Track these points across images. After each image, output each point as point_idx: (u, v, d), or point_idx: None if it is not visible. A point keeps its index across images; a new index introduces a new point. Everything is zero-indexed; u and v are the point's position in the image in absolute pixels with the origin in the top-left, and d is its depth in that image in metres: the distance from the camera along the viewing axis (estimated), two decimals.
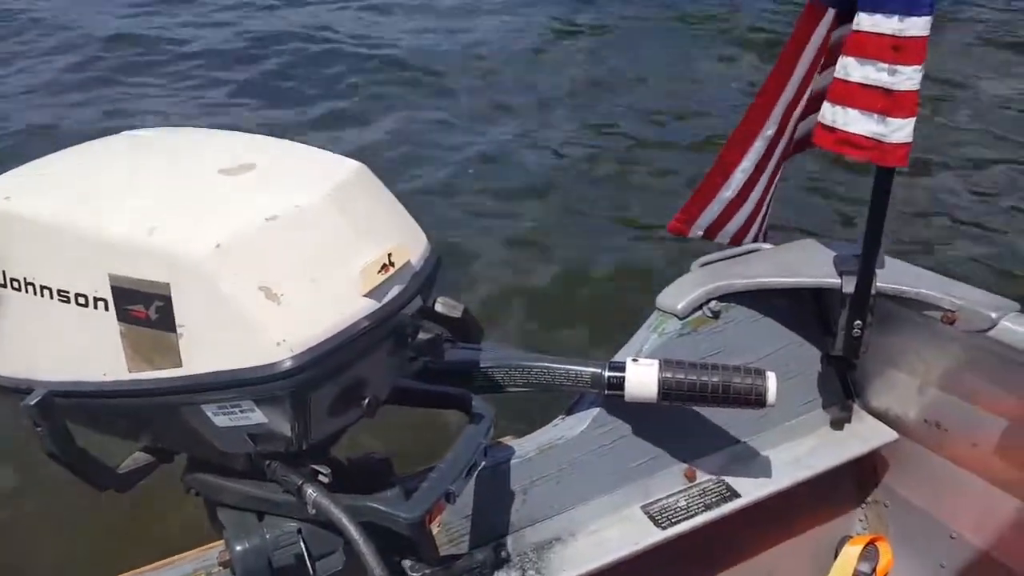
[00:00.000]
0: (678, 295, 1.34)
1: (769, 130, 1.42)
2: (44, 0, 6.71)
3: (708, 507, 1.31)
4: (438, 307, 0.94)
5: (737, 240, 1.55)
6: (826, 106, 1.28)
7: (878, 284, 1.35)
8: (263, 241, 0.76)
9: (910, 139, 1.25)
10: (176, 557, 0.99)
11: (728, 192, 1.48)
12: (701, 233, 1.52)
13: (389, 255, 0.83)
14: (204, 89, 5.26)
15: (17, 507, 2.12)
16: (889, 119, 1.24)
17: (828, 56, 1.36)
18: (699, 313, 1.34)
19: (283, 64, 5.60)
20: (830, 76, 1.31)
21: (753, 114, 1.43)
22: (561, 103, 5.22)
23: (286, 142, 0.95)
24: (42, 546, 2.01)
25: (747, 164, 1.45)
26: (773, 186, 1.52)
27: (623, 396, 1.14)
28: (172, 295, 0.74)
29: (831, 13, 1.32)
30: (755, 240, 1.56)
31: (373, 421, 0.88)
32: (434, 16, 6.72)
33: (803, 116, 1.45)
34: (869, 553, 1.58)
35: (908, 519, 1.53)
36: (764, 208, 1.54)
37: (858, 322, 1.35)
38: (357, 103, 5.07)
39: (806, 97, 1.41)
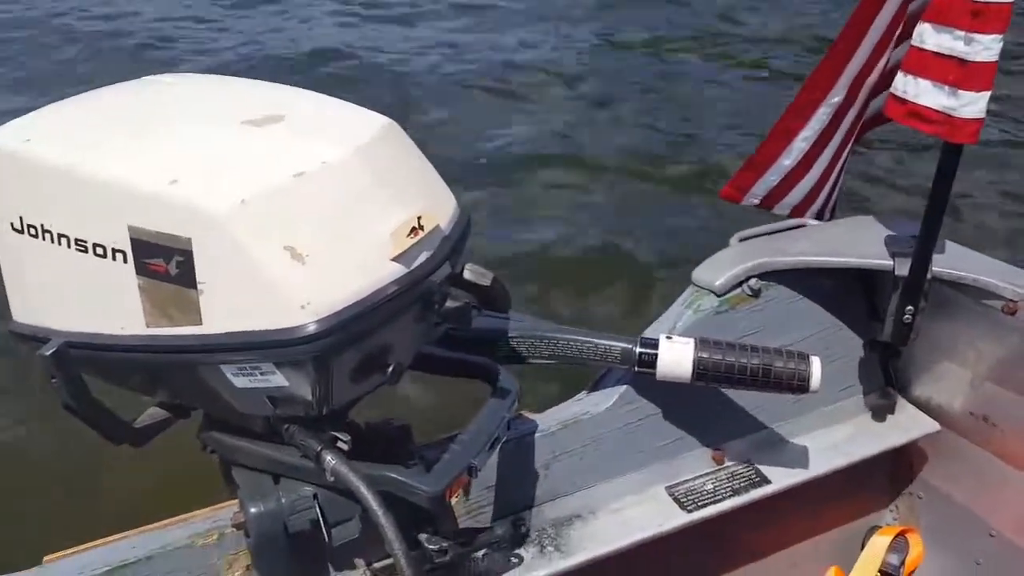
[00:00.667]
0: (716, 271, 1.28)
1: (836, 97, 1.34)
2: None
3: (736, 492, 1.27)
4: (467, 274, 0.90)
5: (799, 213, 1.48)
6: (899, 76, 1.20)
7: (934, 268, 1.28)
8: (290, 198, 0.73)
9: (982, 115, 1.17)
10: (188, 515, 0.98)
11: (788, 161, 1.41)
12: (757, 202, 1.46)
13: (419, 218, 0.79)
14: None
15: (27, 459, 2.14)
16: (961, 92, 1.15)
17: (907, 25, 1.28)
18: (738, 291, 1.28)
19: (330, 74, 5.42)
20: (907, 47, 1.23)
21: (817, 80, 1.35)
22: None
23: (314, 94, 0.91)
24: (52, 500, 2.04)
25: (809, 133, 1.38)
26: (843, 160, 1.45)
27: (654, 374, 1.10)
28: (194, 250, 0.71)
29: None
30: (820, 216, 1.48)
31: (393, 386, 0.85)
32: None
33: (877, 90, 1.38)
34: (898, 545, 1.54)
35: (944, 512, 1.49)
36: (832, 182, 1.46)
37: (910, 307, 1.28)
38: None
39: (879, 69, 1.33)
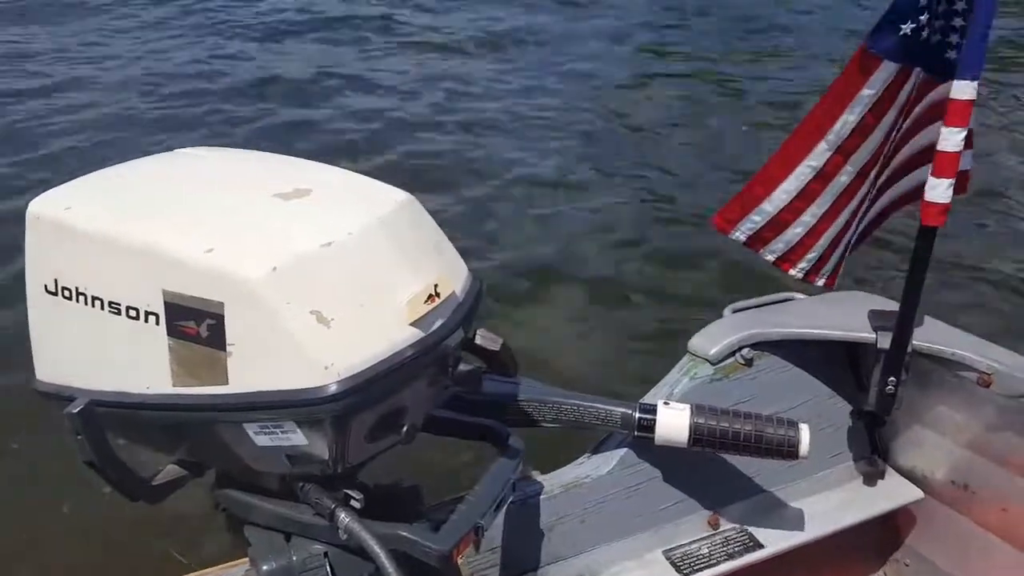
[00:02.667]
0: (711, 340, 1.33)
1: (813, 161, 1.41)
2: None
3: (731, 556, 1.29)
4: (478, 339, 0.95)
5: (784, 264, 1.51)
6: (931, 181, 1.29)
7: (914, 342, 1.34)
8: (317, 266, 0.77)
9: (946, 200, 1.26)
10: (200, 573, 0.99)
11: (770, 207, 1.46)
12: (743, 238, 1.50)
13: (435, 286, 0.84)
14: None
15: (45, 515, 2.12)
16: (932, 177, 1.25)
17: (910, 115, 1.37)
18: (731, 359, 1.33)
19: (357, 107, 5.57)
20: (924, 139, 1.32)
21: (799, 137, 1.43)
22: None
23: (339, 170, 0.97)
24: (69, 556, 2.01)
25: (790, 187, 1.43)
26: (842, 229, 1.48)
27: (652, 438, 1.14)
28: (226, 314, 0.75)
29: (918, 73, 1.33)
30: (810, 274, 1.51)
31: (402, 447, 0.88)
32: None
33: (891, 179, 1.46)
34: None
35: None
36: (823, 247, 1.49)
37: (892, 379, 1.34)
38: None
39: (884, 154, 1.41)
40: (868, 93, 1.33)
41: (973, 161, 1.41)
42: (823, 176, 1.42)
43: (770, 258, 1.52)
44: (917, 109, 1.37)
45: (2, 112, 5.06)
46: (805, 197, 1.45)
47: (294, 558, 0.86)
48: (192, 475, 0.94)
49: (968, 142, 1.30)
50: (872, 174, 1.42)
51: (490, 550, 1.14)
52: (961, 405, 1.39)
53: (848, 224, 1.47)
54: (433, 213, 0.92)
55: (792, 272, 1.52)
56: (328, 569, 0.87)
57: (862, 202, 1.46)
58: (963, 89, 1.22)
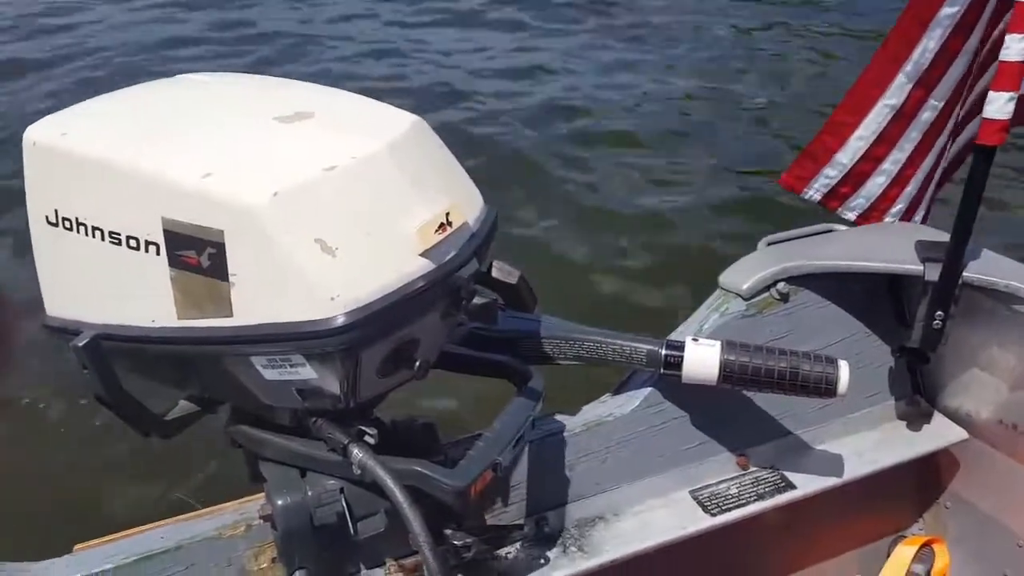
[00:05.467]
0: (744, 274, 1.27)
1: (892, 99, 1.30)
2: None
3: (760, 496, 1.26)
4: (494, 272, 0.91)
5: (868, 220, 1.42)
6: (991, 95, 1.17)
7: (964, 274, 1.26)
8: (321, 192, 0.73)
9: (1007, 116, 1.16)
10: (217, 507, 0.99)
11: (845, 159, 1.36)
12: (819, 197, 1.41)
13: (447, 214, 0.79)
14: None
15: (57, 450, 2.17)
16: (991, 91, 1.15)
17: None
18: (765, 295, 1.27)
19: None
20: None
21: (870, 77, 1.31)
22: None
23: (343, 92, 0.92)
24: (83, 492, 2.06)
25: (865, 132, 1.33)
26: (927, 172, 1.38)
27: (680, 376, 1.09)
28: (226, 242, 0.72)
29: None
30: (909, 217, 1.43)
31: (418, 384, 0.85)
32: None
33: (971, 113, 1.34)
34: (924, 555, 1.52)
35: (971, 523, 1.46)
36: (911, 194, 1.39)
37: (940, 313, 1.26)
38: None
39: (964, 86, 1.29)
40: (949, 12, 1.21)
41: None
42: (903, 115, 1.31)
43: (850, 215, 1.42)
44: (1000, 26, 1.23)
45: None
46: (885, 141, 1.33)
47: (309, 493, 0.85)
48: (205, 411, 0.93)
49: None
50: (957, 108, 1.31)
51: (510, 487, 1.12)
52: (1014, 340, 1.31)
53: (936, 164, 1.35)
54: (454, 138, 0.86)
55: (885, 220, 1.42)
56: (343, 504, 0.85)
57: (948, 138, 1.34)
58: None
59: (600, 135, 4.42)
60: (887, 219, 1.42)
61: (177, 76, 0.95)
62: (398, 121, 0.84)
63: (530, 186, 3.82)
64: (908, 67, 1.27)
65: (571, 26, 6.13)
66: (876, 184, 1.38)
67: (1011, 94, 1.14)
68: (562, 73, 5.32)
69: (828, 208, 1.42)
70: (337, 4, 6.59)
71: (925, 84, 1.28)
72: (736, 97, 4.92)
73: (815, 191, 1.40)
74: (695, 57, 5.69)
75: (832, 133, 1.36)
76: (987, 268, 1.29)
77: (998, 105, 1.15)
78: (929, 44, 1.25)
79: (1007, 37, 1.13)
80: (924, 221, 1.44)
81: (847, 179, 1.37)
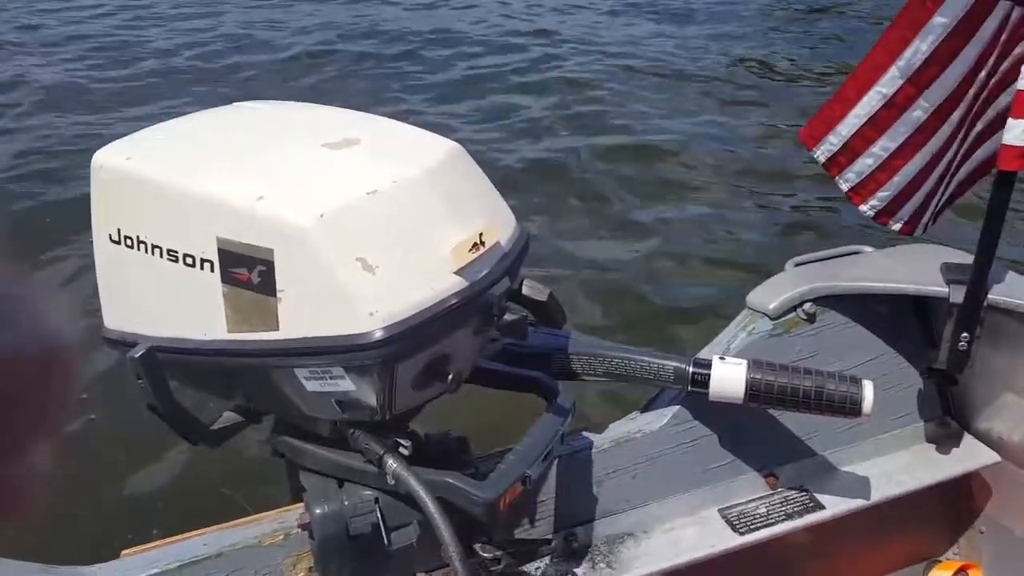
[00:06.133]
0: (771, 294, 1.29)
1: (884, 88, 1.32)
2: None
3: (789, 516, 1.26)
4: (524, 289, 0.94)
5: (857, 195, 1.42)
6: (1010, 122, 1.19)
7: (990, 296, 1.27)
8: (364, 214, 0.78)
9: (1021, 142, 1.17)
10: (257, 516, 1.02)
11: (843, 129, 1.37)
12: (822, 159, 1.42)
13: (480, 235, 0.83)
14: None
15: (109, 457, 2.24)
16: (1011, 118, 1.16)
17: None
18: (792, 315, 1.28)
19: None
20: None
21: (870, 61, 1.33)
22: None
23: (388, 120, 0.97)
24: (132, 499, 2.13)
25: (860, 111, 1.34)
26: (931, 174, 1.38)
27: (707, 394, 1.11)
28: (275, 261, 0.77)
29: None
30: (882, 215, 1.43)
31: (454, 399, 0.89)
32: None
33: (990, 128, 1.35)
34: None
35: (1006, 548, 1.44)
36: (900, 181, 1.39)
37: (965, 335, 1.27)
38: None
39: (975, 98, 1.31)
40: (940, 22, 1.23)
41: None
42: (893, 105, 1.33)
43: (844, 187, 1.43)
44: (1017, 50, 1.24)
45: (74, 73, 5.28)
46: (875, 125, 1.35)
47: (346, 503, 0.89)
48: (250, 421, 0.98)
49: None
50: (957, 117, 1.31)
51: (539, 502, 1.14)
52: None
53: (932, 169, 1.36)
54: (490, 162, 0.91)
55: (863, 208, 1.43)
56: (379, 514, 0.89)
57: (956, 151, 1.35)
58: None
59: (638, 147, 4.46)
60: (871, 202, 1.42)
61: (233, 104, 1.01)
62: (437, 147, 0.89)
63: (562, 199, 3.87)
64: (901, 62, 1.29)
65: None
66: (865, 164, 1.39)
67: None
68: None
69: (828, 173, 1.44)
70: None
71: (916, 83, 1.30)
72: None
73: (821, 152, 1.42)
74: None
75: (839, 102, 1.38)
76: (1011, 289, 1.29)
77: (1016, 132, 1.17)
78: (921, 47, 1.26)
79: None
80: (916, 221, 1.44)
81: (844, 150, 1.39)
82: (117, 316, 0.91)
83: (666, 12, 7.25)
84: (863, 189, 1.42)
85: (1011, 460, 1.39)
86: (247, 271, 0.79)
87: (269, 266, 0.77)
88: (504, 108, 5.02)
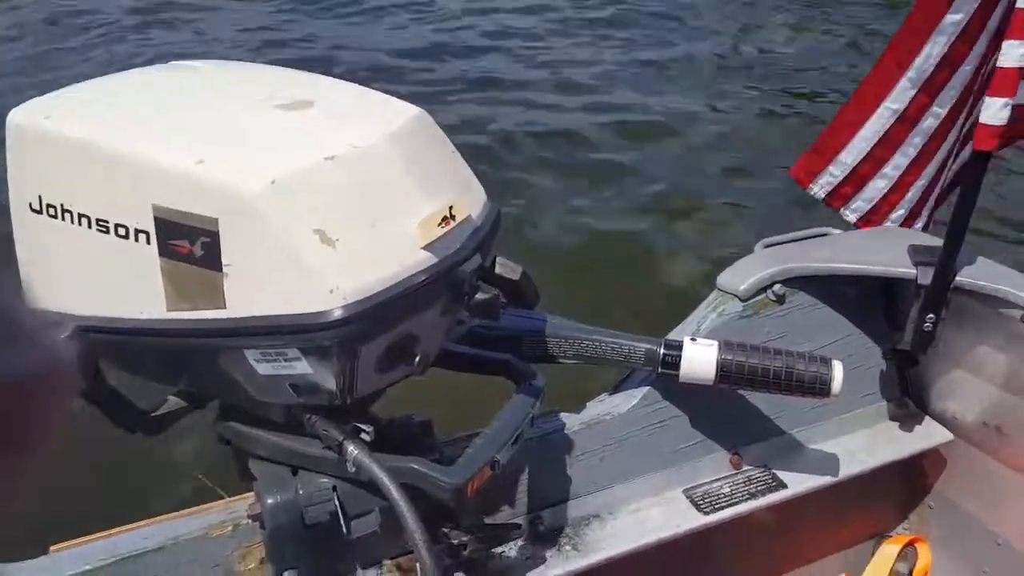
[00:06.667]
0: (741, 276, 1.27)
1: (895, 104, 1.29)
2: None
3: (752, 495, 1.26)
4: (497, 268, 0.88)
5: (868, 224, 1.40)
6: (986, 101, 1.16)
7: (957, 278, 1.27)
8: (321, 181, 0.71)
9: (1001, 121, 1.16)
10: (204, 507, 0.96)
11: (849, 158, 1.34)
12: (822, 195, 1.39)
13: (451, 208, 0.77)
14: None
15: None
16: (987, 96, 1.15)
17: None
18: (762, 296, 1.27)
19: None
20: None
21: (876, 78, 1.30)
22: None
23: (346, 83, 0.89)
24: (61, 491, 2.00)
25: (869, 133, 1.32)
26: (940, 178, 1.37)
27: (677, 376, 1.08)
28: (220, 231, 0.69)
29: None
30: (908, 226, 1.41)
31: (416, 382, 0.83)
32: None
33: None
34: (907, 554, 1.53)
35: (953, 522, 1.47)
36: (912, 194, 1.38)
37: (931, 316, 1.27)
38: None
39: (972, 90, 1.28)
40: (954, 19, 1.20)
41: None
42: (906, 119, 1.30)
43: (851, 217, 1.41)
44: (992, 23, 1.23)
45: None
46: (887, 145, 1.32)
47: (300, 492, 0.83)
48: (194, 406, 0.90)
49: None
50: (963, 115, 1.30)
51: (507, 486, 1.11)
52: (1000, 344, 1.32)
53: (940, 172, 1.34)
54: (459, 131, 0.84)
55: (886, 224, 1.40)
56: (336, 503, 0.83)
57: (953, 145, 1.33)
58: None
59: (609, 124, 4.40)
60: (887, 224, 1.41)
61: (172, 62, 0.92)
62: (401, 113, 0.82)
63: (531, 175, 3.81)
64: (911, 72, 1.26)
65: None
66: (877, 188, 1.37)
67: (1006, 100, 1.15)
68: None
69: (831, 207, 1.41)
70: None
71: (928, 90, 1.28)
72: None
73: (820, 188, 1.40)
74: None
75: (838, 130, 1.35)
76: (978, 272, 1.30)
77: (993, 110, 1.15)
78: (933, 50, 1.24)
79: (1004, 43, 1.13)
80: (925, 229, 1.44)
81: (849, 179, 1.37)
82: (40, 293, 0.82)
83: None
84: (875, 215, 1.40)
85: (964, 438, 1.42)
86: (188, 243, 0.71)
87: (213, 237, 0.69)
88: (471, 77, 4.91)
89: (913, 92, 1.29)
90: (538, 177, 3.88)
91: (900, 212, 1.39)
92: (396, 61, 5.18)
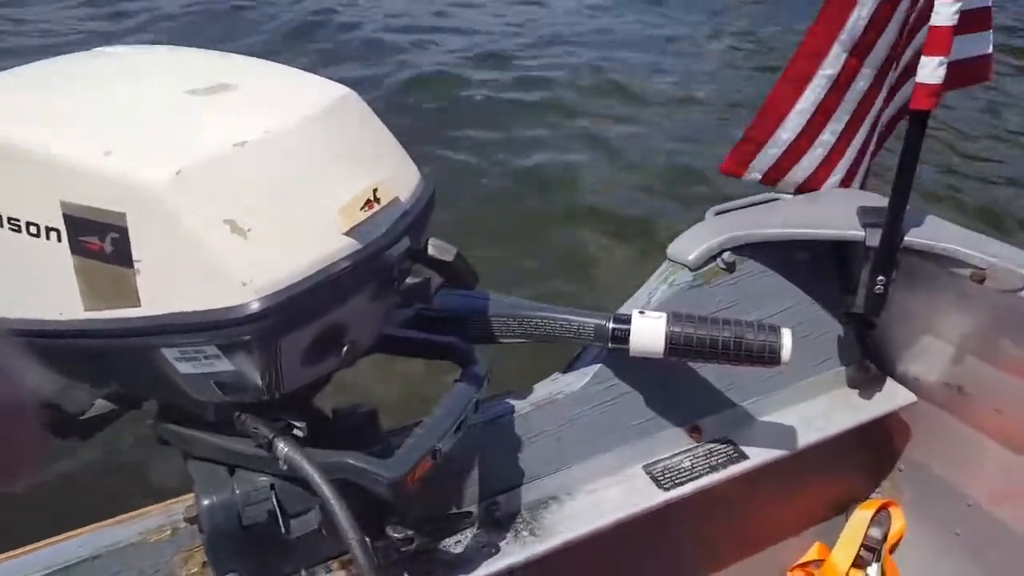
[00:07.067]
0: (690, 245, 1.25)
1: (829, 69, 1.30)
2: None
3: (714, 468, 1.25)
4: (430, 250, 0.86)
5: (808, 189, 1.42)
6: (923, 60, 1.17)
7: (905, 238, 1.26)
8: (230, 169, 0.68)
9: (938, 80, 1.16)
10: (140, 511, 0.93)
11: (786, 135, 1.35)
12: (759, 176, 1.40)
13: (375, 190, 0.75)
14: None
15: None
16: (923, 56, 1.14)
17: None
18: (712, 264, 1.25)
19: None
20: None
21: (806, 50, 1.31)
22: None
23: (273, 64, 0.86)
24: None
25: (805, 105, 1.33)
26: (864, 138, 1.38)
27: (627, 350, 1.07)
28: (128, 226, 0.66)
29: None
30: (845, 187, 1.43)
31: (367, 370, 0.81)
32: None
33: (904, 77, 1.33)
34: (880, 518, 1.54)
35: (923, 485, 1.48)
36: (849, 160, 1.40)
37: (881, 278, 1.26)
38: None
39: (896, 49, 1.29)
40: None
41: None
42: (839, 85, 1.31)
43: (789, 189, 1.42)
44: None
45: None
46: (823, 112, 1.34)
47: (237, 492, 0.81)
48: (126, 408, 0.87)
49: (985, 21, 1.18)
50: (889, 75, 1.31)
51: (456, 473, 1.09)
52: (954, 303, 1.32)
53: (872, 131, 1.35)
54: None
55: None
56: (274, 501, 0.81)
57: (882, 105, 1.34)
58: None
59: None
60: (824, 188, 1.42)
61: (93, 49, 0.88)
62: (323, 93, 0.79)
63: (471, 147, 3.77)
64: (843, 36, 1.27)
65: None
66: (815, 156, 1.38)
67: (941, 58, 1.15)
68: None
69: (768, 184, 1.42)
70: None
71: (858, 52, 1.29)
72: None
73: (756, 172, 1.41)
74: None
75: (771, 112, 1.36)
76: (926, 232, 1.30)
77: (929, 69, 1.16)
78: (862, 12, 1.25)
79: (936, 2, 1.13)
80: (863, 187, 1.44)
81: (788, 154, 1.38)
82: None
83: None
84: (812, 181, 1.40)
85: (928, 400, 1.42)
86: (98, 239, 0.68)
87: (122, 232, 0.67)
88: (416, 55, 4.83)
89: (845, 56, 1.29)
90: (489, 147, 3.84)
91: (836, 176, 1.40)
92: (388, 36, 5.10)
